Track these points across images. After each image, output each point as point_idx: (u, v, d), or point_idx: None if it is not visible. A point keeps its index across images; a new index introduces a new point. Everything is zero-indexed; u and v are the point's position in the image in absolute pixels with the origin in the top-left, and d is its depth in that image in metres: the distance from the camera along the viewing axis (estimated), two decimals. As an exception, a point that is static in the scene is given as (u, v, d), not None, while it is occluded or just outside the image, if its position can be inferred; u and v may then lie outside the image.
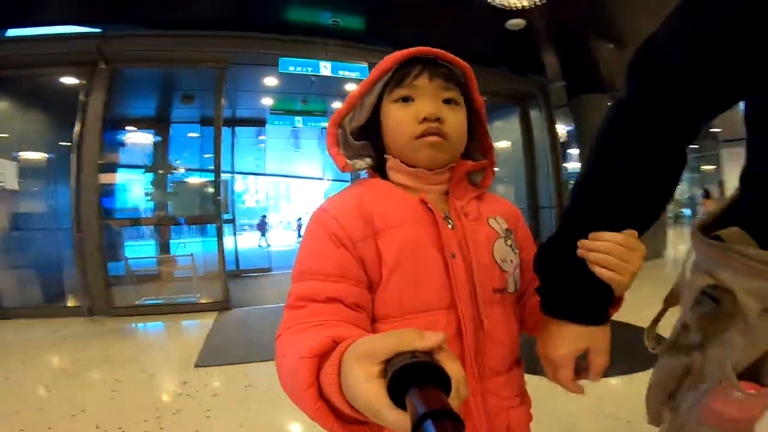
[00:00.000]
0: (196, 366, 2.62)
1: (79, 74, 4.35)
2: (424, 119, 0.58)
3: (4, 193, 4.39)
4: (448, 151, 0.60)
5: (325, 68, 4.94)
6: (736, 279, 0.50)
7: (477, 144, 0.67)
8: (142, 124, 5.91)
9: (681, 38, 0.53)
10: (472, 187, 0.66)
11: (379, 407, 0.30)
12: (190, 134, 6.61)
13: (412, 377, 0.28)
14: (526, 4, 4.05)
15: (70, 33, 4.41)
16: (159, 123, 6.08)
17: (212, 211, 4.85)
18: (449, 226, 0.58)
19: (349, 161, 0.62)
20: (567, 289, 0.57)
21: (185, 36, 4.50)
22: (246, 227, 13.27)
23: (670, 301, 0.64)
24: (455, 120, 0.60)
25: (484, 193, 0.67)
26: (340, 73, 5.01)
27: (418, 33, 4.66)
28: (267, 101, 6.68)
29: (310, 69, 4.90)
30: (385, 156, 0.63)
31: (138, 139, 5.78)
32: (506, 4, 4.04)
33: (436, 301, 0.55)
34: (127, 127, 5.60)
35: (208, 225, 5.16)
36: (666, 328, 0.65)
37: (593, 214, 0.56)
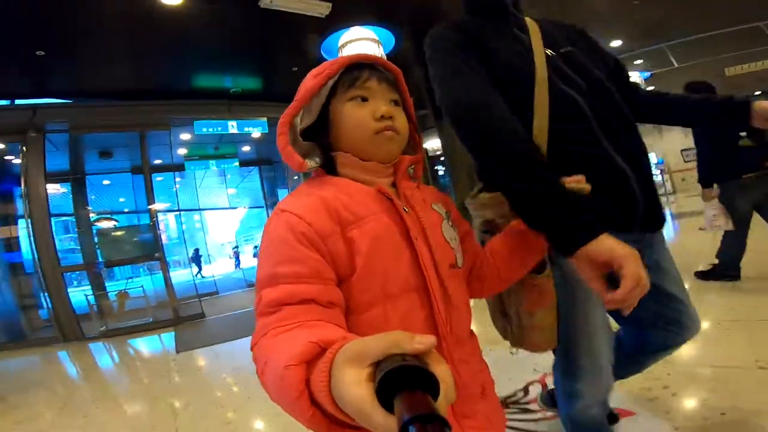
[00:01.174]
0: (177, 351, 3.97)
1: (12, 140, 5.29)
2: (381, 117, 0.63)
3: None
4: (400, 145, 0.67)
5: (233, 126, 6.40)
6: (481, 211, 0.87)
7: (409, 140, 0.71)
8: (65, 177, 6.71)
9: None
10: (410, 178, 0.70)
11: (368, 411, 0.30)
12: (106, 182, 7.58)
13: (401, 380, 0.28)
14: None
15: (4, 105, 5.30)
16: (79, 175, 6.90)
17: (150, 250, 5.99)
18: (406, 211, 0.62)
19: (305, 160, 0.64)
20: (584, 214, 0.70)
21: (109, 106, 5.66)
22: (177, 262, 13.33)
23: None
24: (402, 118, 0.67)
25: (419, 183, 0.72)
26: (246, 129, 6.51)
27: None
28: (182, 151, 7.85)
29: (219, 128, 6.32)
30: (332, 154, 0.66)
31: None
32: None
33: (412, 283, 0.60)
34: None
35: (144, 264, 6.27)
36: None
37: (547, 176, 0.75)
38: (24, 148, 5.22)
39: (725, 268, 2.94)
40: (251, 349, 0.50)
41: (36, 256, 5.05)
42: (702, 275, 3.03)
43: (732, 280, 2.89)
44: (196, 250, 13.67)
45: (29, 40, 4.20)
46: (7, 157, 5.82)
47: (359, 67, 0.66)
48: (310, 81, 0.65)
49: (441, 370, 0.31)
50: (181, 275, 7.97)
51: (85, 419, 2.42)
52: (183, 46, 4.92)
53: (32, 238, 5.07)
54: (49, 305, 5.09)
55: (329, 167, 0.67)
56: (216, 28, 4.64)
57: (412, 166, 0.70)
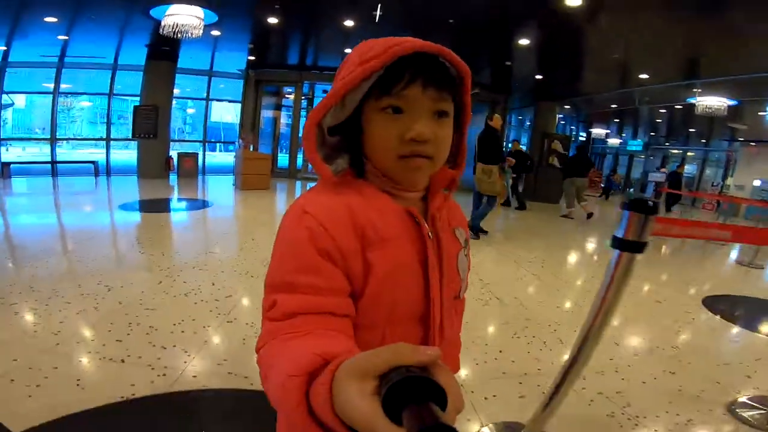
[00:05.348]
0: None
1: None
2: (411, 139, 0.52)
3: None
4: (431, 171, 0.57)
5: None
6: None
7: (452, 145, 0.60)
8: None
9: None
10: (443, 193, 0.63)
11: (374, 424, 0.29)
12: None
13: (408, 393, 0.28)
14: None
15: None
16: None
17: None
18: (430, 237, 0.57)
19: (329, 165, 0.56)
20: None
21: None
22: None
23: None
24: (444, 135, 0.55)
25: (449, 199, 0.65)
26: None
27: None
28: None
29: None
30: (363, 158, 0.57)
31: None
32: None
33: (416, 312, 0.57)
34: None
35: None
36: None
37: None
38: None
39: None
40: (256, 351, 0.49)
41: None
42: None
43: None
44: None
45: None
46: None
47: (405, 61, 0.51)
48: (351, 69, 0.53)
49: (447, 380, 0.30)
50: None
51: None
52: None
53: None
54: None
55: (359, 167, 0.58)
56: None
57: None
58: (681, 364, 2.40)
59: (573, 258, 5.40)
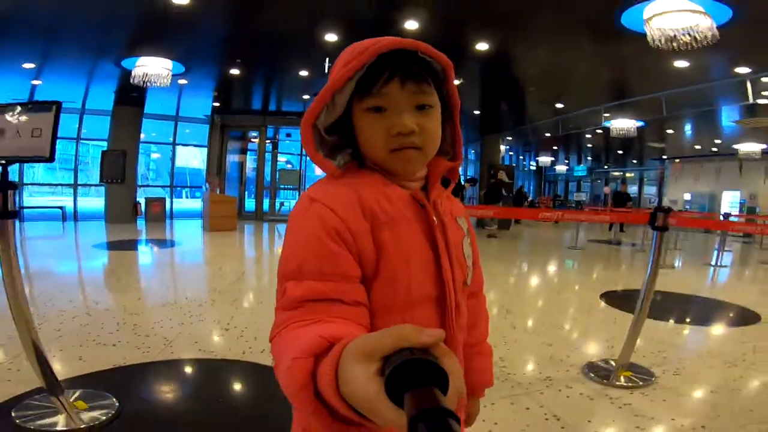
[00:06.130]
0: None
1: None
2: (398, 133, 0.54)
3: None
4: (423, 161, 0.59)
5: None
6: None
7: (446, 137, 0.64)
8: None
9: None
10: (441, 186, 0.65)
11: (377, 406, 0.29)
12: None
13: (411, 375, 0.28)
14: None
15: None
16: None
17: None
18: (435, 221, 0.59)
19: (332, 161, 0.58)
20: None
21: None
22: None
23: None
24: (430, 127, 0.57)
25: (449, 193, 0.67)
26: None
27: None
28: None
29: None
30: (362, 153, 0.60)
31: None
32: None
33: (432, 294, 0.58)
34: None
35: None
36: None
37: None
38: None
39: None
40: (270, 341, 0.49)
41: None
42: None
43: None
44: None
45: None
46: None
47: (384, 59, 0.54)
48: (337, 70, 0.56)
49: (450, 363, 0.30)
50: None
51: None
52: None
53: None
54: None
55: (361, 159, 0.61)
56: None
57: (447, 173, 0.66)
58: (559, 338, 3.09)
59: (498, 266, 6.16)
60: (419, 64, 0.56)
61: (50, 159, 1.54)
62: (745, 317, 3.78)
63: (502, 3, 4.69)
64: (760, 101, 6.96)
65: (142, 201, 10.20)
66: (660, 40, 4.31)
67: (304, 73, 7.60)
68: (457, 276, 0.62)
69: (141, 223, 9.77)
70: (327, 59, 6.47)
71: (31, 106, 1.56)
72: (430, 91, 0.57)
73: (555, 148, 16.38)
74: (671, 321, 3.61)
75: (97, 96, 9.19)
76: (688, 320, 3.75)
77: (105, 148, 9.69)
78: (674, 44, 4.28)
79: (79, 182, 10.47)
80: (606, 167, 20.83)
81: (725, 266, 6.71)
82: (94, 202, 11.69)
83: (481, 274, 0.78)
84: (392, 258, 0.54)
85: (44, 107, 1.53)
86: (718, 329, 3.59)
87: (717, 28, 4.14)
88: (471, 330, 0.72)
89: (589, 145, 15.52)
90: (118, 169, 9.48)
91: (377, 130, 0.56)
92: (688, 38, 4.19)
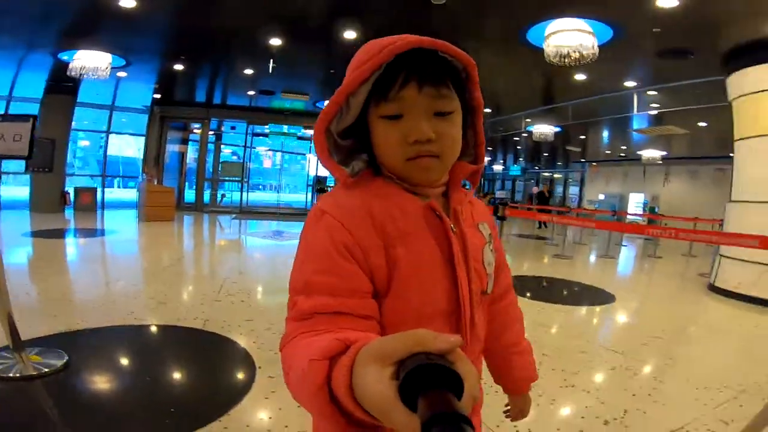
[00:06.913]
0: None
1: None
2: (415, 141, 0.52)
3: None
4: (442, 169, 0.57)
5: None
6: None
7: (467, 139, 0.62)
8: None
9: None
10: (464, 188, 0.63)
11: (391, 409, 0.29)
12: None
13: (425, 379, 0.28)
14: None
15: None
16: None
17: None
18: (453, 232, 0.57)
19: (345, 168, 0.57)
20: None
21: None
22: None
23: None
24: (449, 133, 0.54)
25: (472, 196, 0.65)
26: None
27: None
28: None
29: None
30: (378, 161, 0.58)
31: None
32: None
33: (445, 307, 0.56)
34: None
35: None
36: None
37: None
38: None
39: None
40: (280, 350, 0.49)
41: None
42: None
43: None
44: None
45: None
46: None
47: (400, 61, 0.52)
48: (351, 71, 0.54)
49: (465, 368, 0.29)
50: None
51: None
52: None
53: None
54: None
55: (377, 166, 0.58)
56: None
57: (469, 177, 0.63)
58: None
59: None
60: (439, 63, 0.54)
61: (29, 157, 2.06)
62: (604, 298, 4.54)
63: (433, 19, 5.12)
64: (651, 112, 8.16)
65: (71, 190, 9.79)
66: (556, 57, 4.93)
67: (249, 71, 7.76)
68: (474, 288, 0.60)
69: (69, 213, 9.38)
70: (271, 60, 6.74)
71: (12, 118, 2.07)
72: (449, 94, 0.54)
73: (490, 148, 17.55)
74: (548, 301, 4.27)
75: (26, 83, 8.75)
76: (556, 300, 4.39)
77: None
78: (566, 60, 4.89)
79: (3, 170, 9.80)
80: (537, 168, 22.69)
81: (612, 257, 7.82)
82: (15, 191, 10.97)
83: (508, 275, 0.77)
84: (404, 274, 0.53)
85: (23, 119, 2.04)
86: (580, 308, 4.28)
87: (599, 46, 4.82)
88: (504, 333, 0.75)
89: (519, 147, 16.73)
90: (46, 158, 9.06)
91: (393, 137, 0.54)
92: (577, 55, 4.83)
